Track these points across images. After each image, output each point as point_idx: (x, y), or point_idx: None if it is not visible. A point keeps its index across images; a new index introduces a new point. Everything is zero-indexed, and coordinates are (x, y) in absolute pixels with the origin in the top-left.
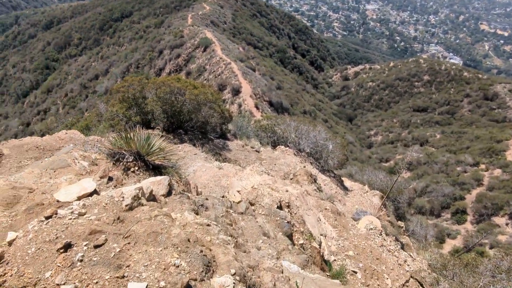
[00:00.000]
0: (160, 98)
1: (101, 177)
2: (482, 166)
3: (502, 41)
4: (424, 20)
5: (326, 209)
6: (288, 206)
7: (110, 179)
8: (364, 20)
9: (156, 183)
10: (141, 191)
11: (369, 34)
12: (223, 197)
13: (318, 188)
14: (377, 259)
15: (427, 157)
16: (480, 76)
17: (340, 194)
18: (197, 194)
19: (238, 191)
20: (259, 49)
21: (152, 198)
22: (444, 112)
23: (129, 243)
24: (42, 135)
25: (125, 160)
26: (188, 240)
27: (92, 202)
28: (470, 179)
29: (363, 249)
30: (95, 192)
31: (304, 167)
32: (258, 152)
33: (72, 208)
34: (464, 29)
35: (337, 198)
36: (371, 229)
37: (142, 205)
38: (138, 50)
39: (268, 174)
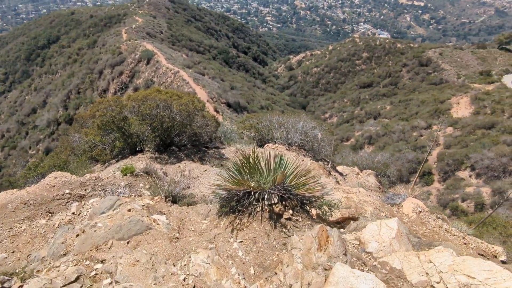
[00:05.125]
0: (146, 116)
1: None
2: (435, 127)
3: (420, 11)
4: (349, 2)
5: None
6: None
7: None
8: (295, 10)
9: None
10: None
11: (302, 22)
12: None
13: (336, 180)
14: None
15: (384, 129)
16: (411, 45)
17: (341, 180)
18: None
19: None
20: (202, 53)
21: None
22: (387, 84)
23: None
24: None
25: (264, 202)
26: None
27: None
28: (428, 141)
29: (431, 237)
30: None
31: (303, 160)
32: None
33: None
34: (386, 5)
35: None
36: (420, 212)
37: None
38: (76, 75)
39: None
